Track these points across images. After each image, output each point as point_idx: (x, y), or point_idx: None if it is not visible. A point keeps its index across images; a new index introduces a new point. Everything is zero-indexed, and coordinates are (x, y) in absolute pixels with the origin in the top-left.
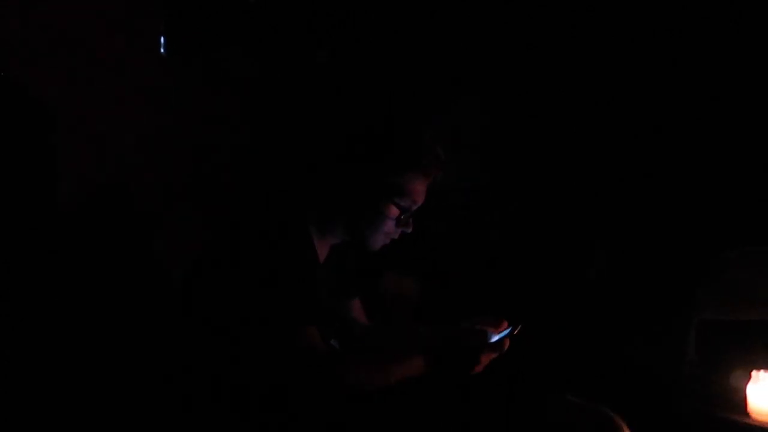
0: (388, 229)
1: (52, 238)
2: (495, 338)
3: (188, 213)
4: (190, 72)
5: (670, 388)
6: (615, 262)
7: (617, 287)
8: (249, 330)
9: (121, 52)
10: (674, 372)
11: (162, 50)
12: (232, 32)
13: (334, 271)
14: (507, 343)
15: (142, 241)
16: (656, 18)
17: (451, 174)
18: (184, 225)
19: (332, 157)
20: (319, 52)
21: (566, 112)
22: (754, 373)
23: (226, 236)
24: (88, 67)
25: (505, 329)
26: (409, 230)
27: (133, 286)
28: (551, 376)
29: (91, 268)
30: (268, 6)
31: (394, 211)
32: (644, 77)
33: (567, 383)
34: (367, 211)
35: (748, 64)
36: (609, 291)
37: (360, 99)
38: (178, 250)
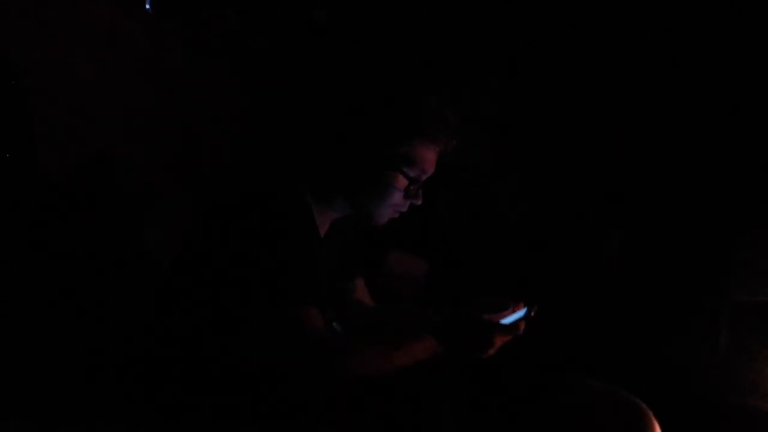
0: (396, 202)
1: (33, 218)
2: (509, 320)
3: (178, 188)
4: (179, 36)
5: (699, 375)
6: (633, 240)
7: (638, 267)
8: (245, 311)
9: (105, 14)
10: (704, 358)
11: (147, 6)
12: None
13: (336, 249)
14: (523, 325)
15: (130, 221)
16: None
17: (463, 146)
18: (174, 201)
19: (334, 123)
20: (317, 11)
21: (587, 90)
22: None
23: (219, 212)
24: (68, 30)
25: (521, 310)
26: (419, 202)
27: (122, 267)
28: (569, 360)
29: (76, 251)
30: None
31: (402, 181)
32: (666, 62)
33: (587, 368)
34: (373, 182)
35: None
36: (629, 270)
37: (363, 62)
38: (169, 229)
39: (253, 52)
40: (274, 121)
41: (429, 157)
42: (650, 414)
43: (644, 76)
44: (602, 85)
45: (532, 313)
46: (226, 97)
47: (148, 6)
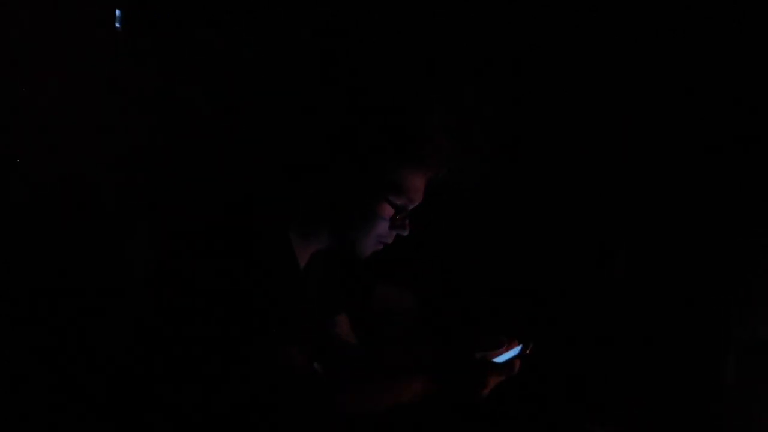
0: (381, 232)
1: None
2: (504, 358)
3: (150, 215)
4: (151, 50)
5: (704, 421)
6: (639, 264)
7: (642, 297)
8: (217, 351)
9: (70, 27)
10: (709, 402)
11: (118, 25)
12: (200, 3)
13: (317, 283)
14: (518, 363)
15: (99, 247)
16: None
17: (453, 169)
18: (145, 228)
19: (316, 148)
20: (302, 29)
21: (588, 98)
22: None
23: (190, 243)
24: (31, 43)
25: (516, 347)
26: (405, 233)
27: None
28: (568, 401)
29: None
30: None
31: (388, 210)
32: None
33: (587, 409)
34: (357, 211)
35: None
36: (633, 300)
37: (349, 81)
38: (139, 257)
39: (234, 68)
40: (255, 143)
41: (417, 184)
42: None
43: (650, 79)
44: (602, 91)
45: (528, 351)
46: (202, 118)
47: (118, 25)
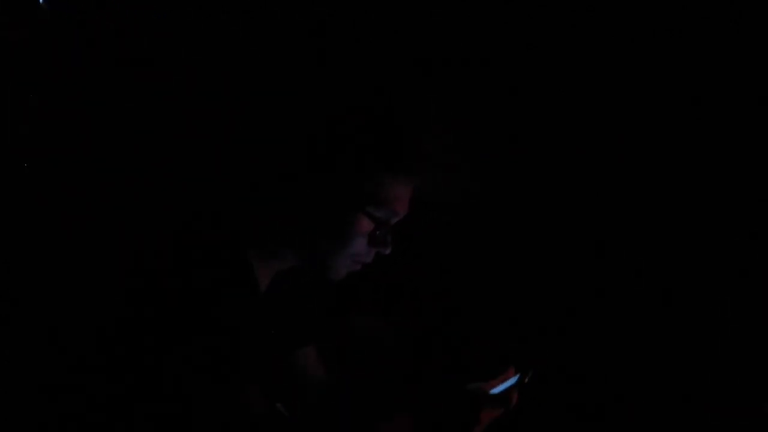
0: (358, 250)
1: None
2: (499, 389)
3: (81, 228)
4: (81, 33)
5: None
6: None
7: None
8: (163, 391)
9: None
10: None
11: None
12: None
13: (280, 308)
14: (515, 395)
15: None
16: None
17: (441, 178)
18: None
19: (280, 150)
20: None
21: (588, 98)
22: None
23: (131, 264)
24: None
25: (512, 377)
26: (387, 251)
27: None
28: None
29: None
30: None
31: (367, 225)
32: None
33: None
34: (329, 225)
35: None
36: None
37: (321, 73)
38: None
39: (182, 58)
40: (208, 146)
41: (401, 194)
42: None
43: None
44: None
45: (526, 380)
46: (143, 114)
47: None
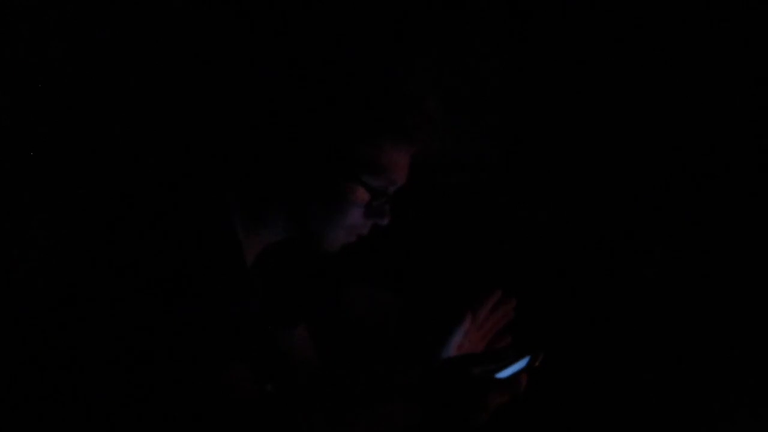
0: (353, 221)
1: None
2: (507, 373)
3: (51, 201)
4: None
5: None
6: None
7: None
8: (146, 372)
9: None
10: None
11: None
12: None
13: (270, 283)
14: (524, 378)
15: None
16: None
17: (447, 143)
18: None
19: (267, 113)
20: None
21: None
22: None
23: (104, 236)
24: None
25: (521, 359)
26: (384, 222)
27: None
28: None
29: None
30: None
31: (363, 194)
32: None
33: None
34: (323, 195)
35: None
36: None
37: (309, 26)
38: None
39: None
40: (189, 105)
41: (400, 161)
42: None
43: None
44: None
45: (537, 363)
46: (118, 66)
47: None
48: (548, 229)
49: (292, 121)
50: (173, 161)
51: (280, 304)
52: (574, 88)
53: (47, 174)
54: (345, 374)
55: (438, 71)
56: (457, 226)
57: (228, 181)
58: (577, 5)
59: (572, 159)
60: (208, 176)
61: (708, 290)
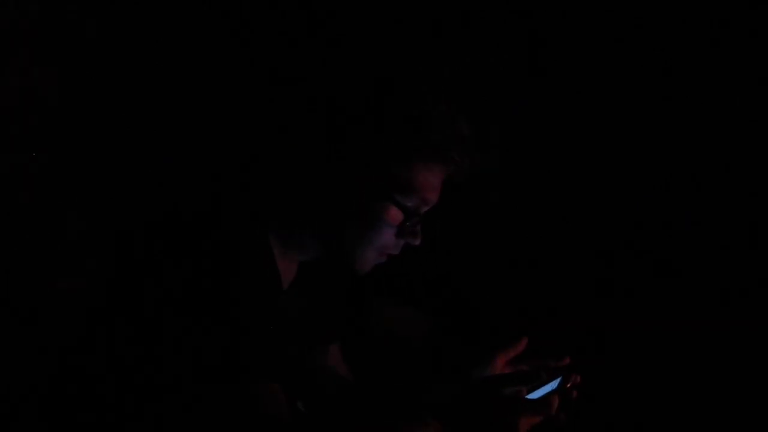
0: (386, 242)
1: None
2: (538, 393)
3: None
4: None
5: None
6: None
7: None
8: (181, 389)
9: None
10: None
11: None
12: None
13: (304, 304)
14: (556, 401)
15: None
16: None
17: (477, 163)
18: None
19: (301, 135)
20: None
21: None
22: None
23: (139, 255)
24: None
25: (553, 380)
26: (417, 242)
27: None
28: None
29: None
30: None
31: (396, 215)
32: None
33: None
34: (356, 215)
35: None
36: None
37: (343, 47)
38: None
39: (193, 28)
40: (222, 124)
41: (433, 182)
42: None
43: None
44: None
45: (569, 385)
46: (144, 86)
47: None
48: (576, 244)
49: (326, 143)
50: (211, 182)
51: (313, 322)
52: (574, 88)
53: (89, 195)
54: (376, 393)
55: (473, 94)
56: (489, 244)
57: (264, 203)
58: (576, 5)
59: (594, 177)
60: (245, 198)
61: (709, 290)
